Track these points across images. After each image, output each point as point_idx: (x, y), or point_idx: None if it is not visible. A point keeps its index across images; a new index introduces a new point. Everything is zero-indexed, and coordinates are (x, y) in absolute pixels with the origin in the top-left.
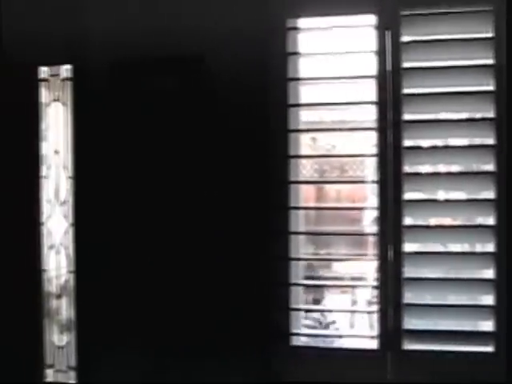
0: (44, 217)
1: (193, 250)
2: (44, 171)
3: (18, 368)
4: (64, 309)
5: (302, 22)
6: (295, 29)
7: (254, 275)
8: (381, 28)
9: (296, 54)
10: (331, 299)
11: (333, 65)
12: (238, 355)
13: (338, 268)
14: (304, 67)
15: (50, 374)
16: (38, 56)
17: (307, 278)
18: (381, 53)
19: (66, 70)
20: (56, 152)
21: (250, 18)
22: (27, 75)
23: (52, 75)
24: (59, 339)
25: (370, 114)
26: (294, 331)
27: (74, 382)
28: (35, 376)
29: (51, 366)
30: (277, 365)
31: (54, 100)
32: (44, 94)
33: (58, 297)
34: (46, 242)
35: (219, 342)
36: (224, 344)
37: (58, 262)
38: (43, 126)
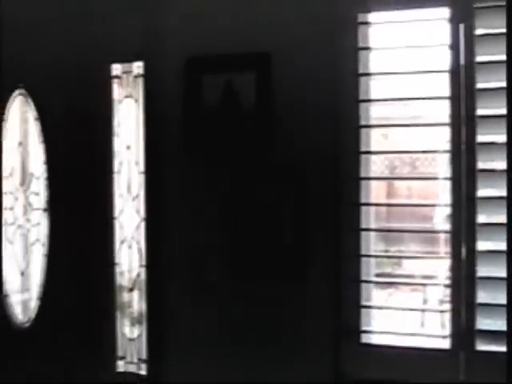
0: (116, 211)
1: (261, 245)
2: (116, 166)
3: (91, 359)
4: (135, 302)
5: (373, 17)
6: (366, 23)
7: (324, 272)
8: (454, 21)
9: (367, 48)
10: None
11: (405, 59)
12: (307, 353)
13: (409, 266)
14: (375, 62)
15: (121, 366)
16: (111, 53)
17: (378, 275)
18: (454, 46)
19: (137, 67)
20: (128, 147)
21: (320, 13)
22: (101, 73)
23: (124, 72)
24: (131, 332)
25: (443, 109)
26: (365, 329)
27: (144, 373)
28: (107, 367)
29: (123, 358)
30: (346, 363)
31: (126, 96)
32: (117, 91)
33: (130, 290)
34: (118, 236)
35: (289, 339)
36: (293, 342)
37: (129, 256)
38: (115, 122)
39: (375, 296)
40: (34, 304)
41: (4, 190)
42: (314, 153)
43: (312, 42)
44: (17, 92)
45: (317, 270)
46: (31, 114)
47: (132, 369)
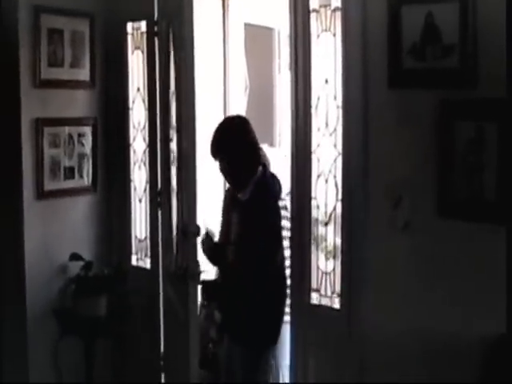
0: (314, 145)
1: (463, 183)
2: (314, 101)
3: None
4: (330, 236)
5: None
6: None
7: None
8: None
9: None
10: None
11: None
12: (491, 303)
13: None
14: None
15: (315, 298)
16: None
17: None
18: None
19: (336, 0)
20: (326, 81)
21: None
22: (299, 7)
23: (322, 6)
24: (325, 265)
25: None
26: None
27: (337, 307)
28: (302, 298)
29: (317, 291)
30: None
31: (324, 31)
32: (314, 26)
33: (326, 224)
34: (315, 170)
35: (477, 287)
36: (482, 291)
37: (326, 190)
38: (313, 56)
39: None
40: None
41: None
42: None
43: None
44: None
45: None
46: None
47: (325, 302)
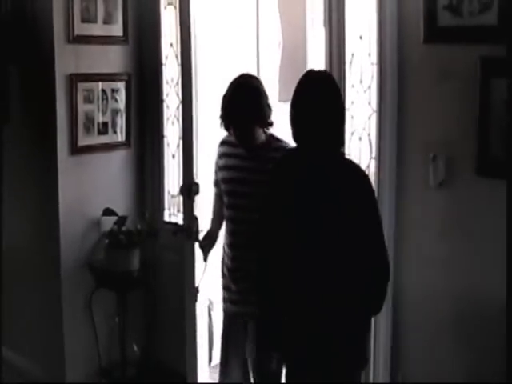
0: (348, 102)
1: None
2: (348, 57)
3: None
4: None
5: None
6: None
7: None
8: None
9: None
10: None
11: None
12: None
13: None
14: None
15: None
16: None
17: None
18: None
19: None
20: (360, 38)
21: None
22: None
23: None
24: None
25: None
26: None
27: None
28: None
29: None
30: None
31: None
32: None
33: None
34: (349, 127)
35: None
36: None
37: (359, 147)
38: (347, 12)
39: None
40: None
41: None
42: None
43: None
44: None
45: None
46: None
47: None
